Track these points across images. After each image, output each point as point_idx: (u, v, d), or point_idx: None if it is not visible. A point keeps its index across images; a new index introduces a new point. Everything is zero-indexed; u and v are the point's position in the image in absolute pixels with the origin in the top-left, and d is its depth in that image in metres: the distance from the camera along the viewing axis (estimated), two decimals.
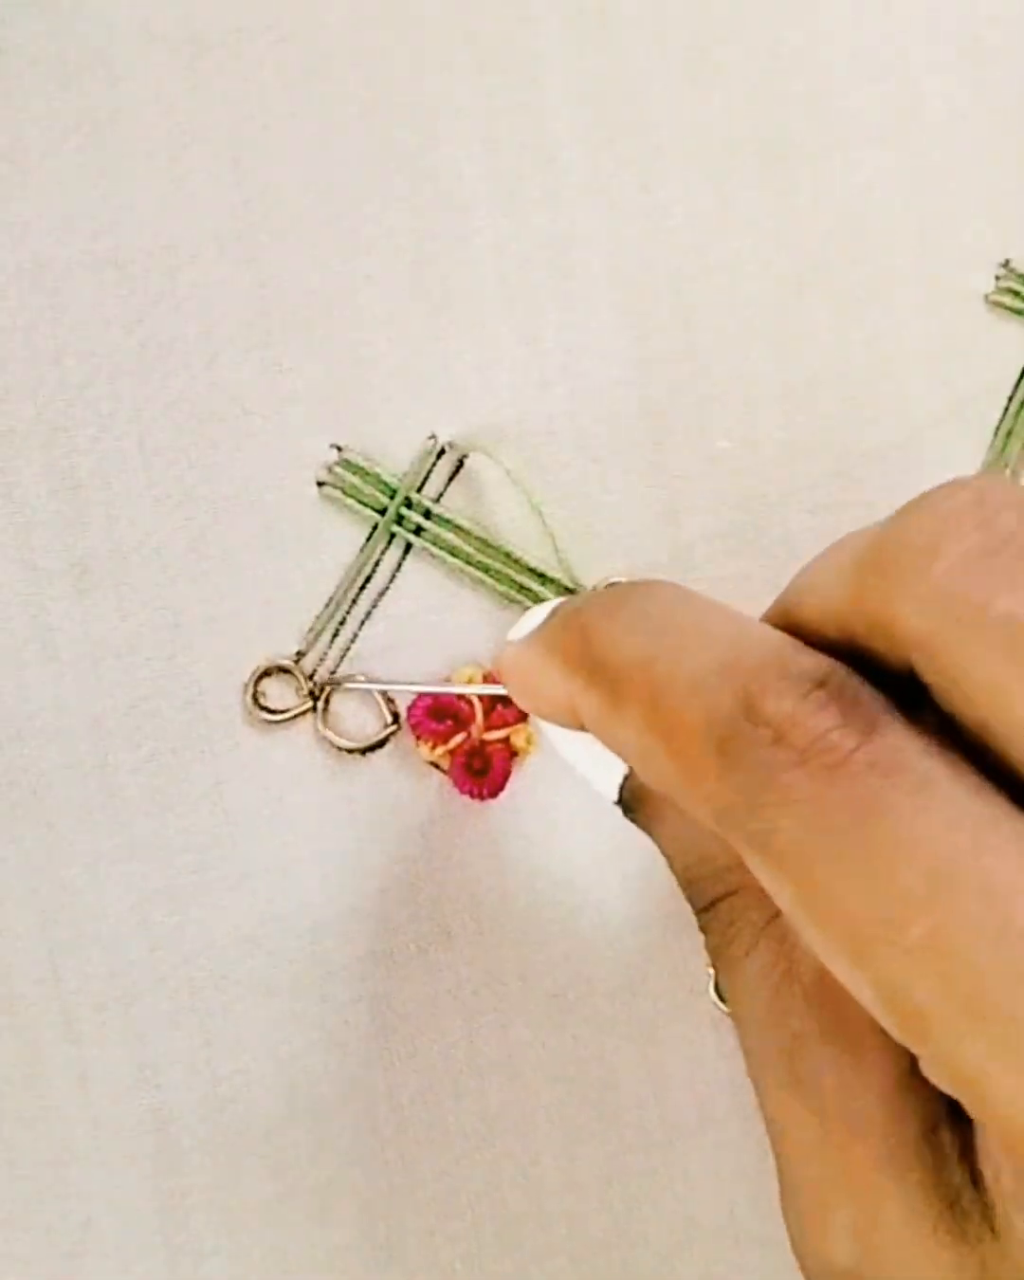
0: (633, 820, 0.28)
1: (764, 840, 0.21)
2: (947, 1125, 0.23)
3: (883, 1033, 0.21)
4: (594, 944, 0.37)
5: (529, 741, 0.36)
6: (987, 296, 0.37)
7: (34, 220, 0.34)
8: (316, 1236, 0.36)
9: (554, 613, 0.27)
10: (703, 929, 0.27)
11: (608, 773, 0.28)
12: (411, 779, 0.36)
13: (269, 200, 0.35)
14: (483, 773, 0.36)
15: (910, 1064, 0.23)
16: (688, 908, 0.37)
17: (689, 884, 0.28)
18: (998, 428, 0.37)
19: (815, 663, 0.22)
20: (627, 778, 0.28)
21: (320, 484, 0.35)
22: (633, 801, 0.28)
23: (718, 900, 0.27)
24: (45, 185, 0.34)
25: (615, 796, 0.28)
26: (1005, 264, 0.37)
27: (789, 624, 0.24)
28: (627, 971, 0.37)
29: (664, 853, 0.28)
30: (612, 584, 0.36)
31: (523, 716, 0.36)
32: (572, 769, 0.28)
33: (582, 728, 0.26)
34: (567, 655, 0.25)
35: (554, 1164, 0.36)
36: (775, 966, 0.25)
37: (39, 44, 0.34)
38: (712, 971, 0.37)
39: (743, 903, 0.26)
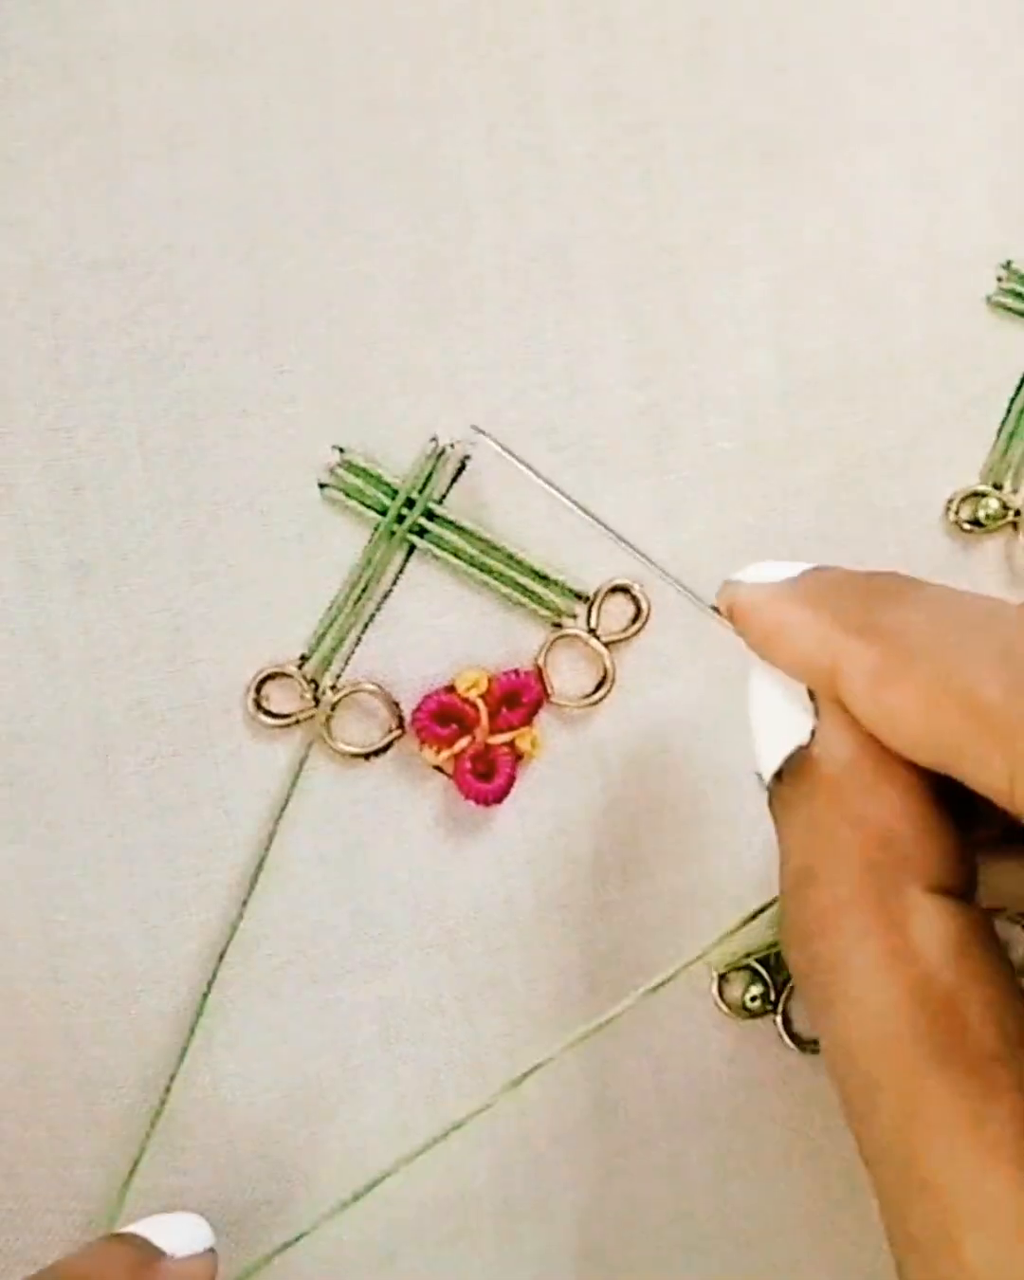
0: (773, 796, 0.28)
1: None
2: None
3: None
4: (597, 947, 0.37)
5: (533, 745, 0.36)
6: (988, 298, 0.37)
7: (34, 220, 0.34)
8: (317, 1237, 0.36)
9: (812, 573, 0.29)
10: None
11: (785, 734, 0.28)
12: (415, 783, 0.36)
13: (269, 200, 0.35)
14: (487, 777, 0.36)
15: None
16: (692, 911, 0.37)
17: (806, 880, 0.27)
18: (1000, 429, 0.37)
19: None
20: (799, 749, 0.27)
21: (322, 486, 0.35)
22: (791, 774, 0.27)
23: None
24: (45, 185, 0.34)
25: (774, 765, 0.28)
26: (1007, 265, 0.37)
27: None
28: (631, 974, 0.37)
29: (786, 843, 0.27)
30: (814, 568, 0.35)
31: (528, 720, 0.36)
32: (753, 721, 0.28)
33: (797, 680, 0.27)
34: (841, 615, 0.27)
35: (556, 1163, 0.36)
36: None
37: (39, 44, 0.34)
38: (717, 975, 0.37)
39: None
